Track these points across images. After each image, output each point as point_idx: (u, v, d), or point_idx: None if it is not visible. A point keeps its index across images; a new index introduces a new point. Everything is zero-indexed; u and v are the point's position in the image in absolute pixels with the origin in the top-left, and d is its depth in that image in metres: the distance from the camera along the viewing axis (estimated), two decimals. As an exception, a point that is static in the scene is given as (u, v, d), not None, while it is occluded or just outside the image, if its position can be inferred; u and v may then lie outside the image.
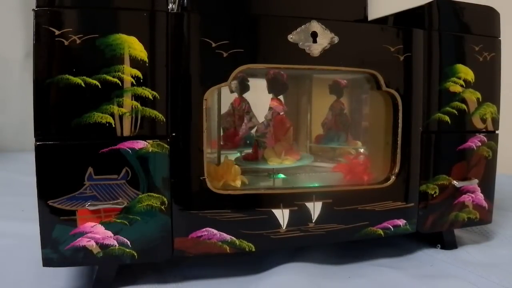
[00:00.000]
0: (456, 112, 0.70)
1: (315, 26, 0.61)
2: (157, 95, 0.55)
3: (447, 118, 0.70)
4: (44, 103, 0.52)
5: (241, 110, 0.82)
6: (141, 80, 0.54)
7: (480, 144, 0.72)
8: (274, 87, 0.77)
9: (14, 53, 1.81)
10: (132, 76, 0.54)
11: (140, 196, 0.55)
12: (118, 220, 0.55)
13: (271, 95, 0.78)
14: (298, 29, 0.60)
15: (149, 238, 0.56)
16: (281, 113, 0.76)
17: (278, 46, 0.60)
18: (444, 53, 0.69)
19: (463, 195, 0.72)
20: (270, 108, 0.76)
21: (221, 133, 0.80)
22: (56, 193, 0.53)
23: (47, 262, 0.53)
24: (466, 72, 0.70)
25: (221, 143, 0.79)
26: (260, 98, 0.80)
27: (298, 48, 0.60)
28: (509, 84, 0.91)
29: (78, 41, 0.52)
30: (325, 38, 0.61)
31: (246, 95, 0.82)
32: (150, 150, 0.55)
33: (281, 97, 0.79)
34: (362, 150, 0.83)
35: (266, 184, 0.75)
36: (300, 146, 0.89)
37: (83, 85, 0.52)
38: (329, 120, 0.89)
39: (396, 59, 0.66)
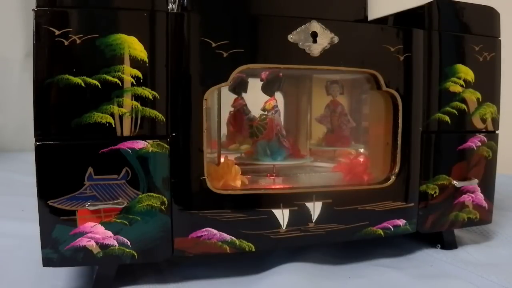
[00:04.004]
0: (456, 112, 0.70)
1: (315, 26, 0.61)
2: (157, 95, 0.55)
3: (447, 118, 0.70)
4: (44, 103, 0.52)
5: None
6: (141, 80, 0.54)
7: (480, 144, 0.72)
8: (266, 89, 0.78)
9: (14, 53, 1.80)
10: (132, 76, 0.54)
11: (140, 196, 0.55)
12: (118, 220, 0.55)
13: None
14: (298, 29, 0.60)
15: (149, 238, 0.56)
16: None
17: (278, 46, 0.60)
18: (444, 53, 0.69)
19: (463, 195, 0.72)
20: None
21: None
22: (56, 193, 0.53)
23: (47, 262, 0.53)
24: (466, 72, 0.70)
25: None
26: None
27: (298, 48, 0.60)
28: (509, 84, 0.91)
29: (78, 41, 0.52)
30: (325, 38, 0.61)
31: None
32: (150, 150, 0.55)
33: (280, 97, 0.80)
34: (362, 150, 0.83)
35: (266, 183, 0.76)
36: (300, 146, 0.89)
37: (83, 85, 0.52)
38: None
39: (396, 59, 0.66)
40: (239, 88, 0.81)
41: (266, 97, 0.77)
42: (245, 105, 0.82)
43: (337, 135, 0.85)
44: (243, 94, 0.82)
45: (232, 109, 0.83)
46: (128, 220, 0.55)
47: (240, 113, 0.82)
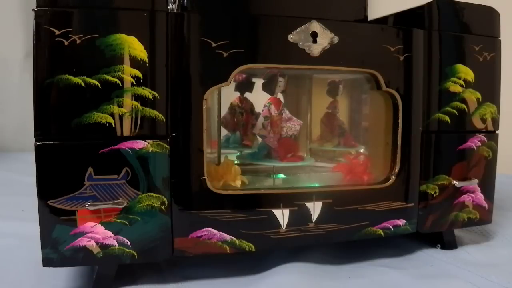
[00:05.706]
0: (456, 112, 0.70)
1: (315, 26, 0.61)
2: (157, 95, 0.55)
3: (447, 118, 0.70)
4: (44, 103, 0.52)
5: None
6: (141, 80, 0.54)
7: (480, 144, 0.72)
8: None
9: (14, 53, 1.81)
10: (132, 76, 0.54)
11: (140, 196, 0.55)
12: (118, 220, 0.55)
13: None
14: (298, 29, 0.60)
15: (149, 238, 0.56)
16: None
17: (278, 46, 0.60)
18: (444, 53, 0.69)
19: (463, 195, 0.72)
20: None
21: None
22: (56, 193, 0.53)
23: (47, 262, 0.53)
24: (466, 72, 0.70)
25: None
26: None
27: (298, 48, 0.60)
28: (509, 84, 0.91)
29: (78, 41, 0.52)
30: (325, 38, 0.61)
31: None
32: (150, 150, 0.55)
33: (280, 96, 0.79)
34: (362, 150, 0.83)
35: (266, 184, 0.76)
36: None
37: (83, 85, 0.52)
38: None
39: (396, 59, 0.66)
40: (244, 88, 0.81)
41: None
42: (252, 104, 0.83)
43: (350, 135, 0.85)
44: (249, 94, 0.82)
45: (241, 110, 0.83)
46: (128, 220, 0.55)
47: (248, 113, 0.82)
